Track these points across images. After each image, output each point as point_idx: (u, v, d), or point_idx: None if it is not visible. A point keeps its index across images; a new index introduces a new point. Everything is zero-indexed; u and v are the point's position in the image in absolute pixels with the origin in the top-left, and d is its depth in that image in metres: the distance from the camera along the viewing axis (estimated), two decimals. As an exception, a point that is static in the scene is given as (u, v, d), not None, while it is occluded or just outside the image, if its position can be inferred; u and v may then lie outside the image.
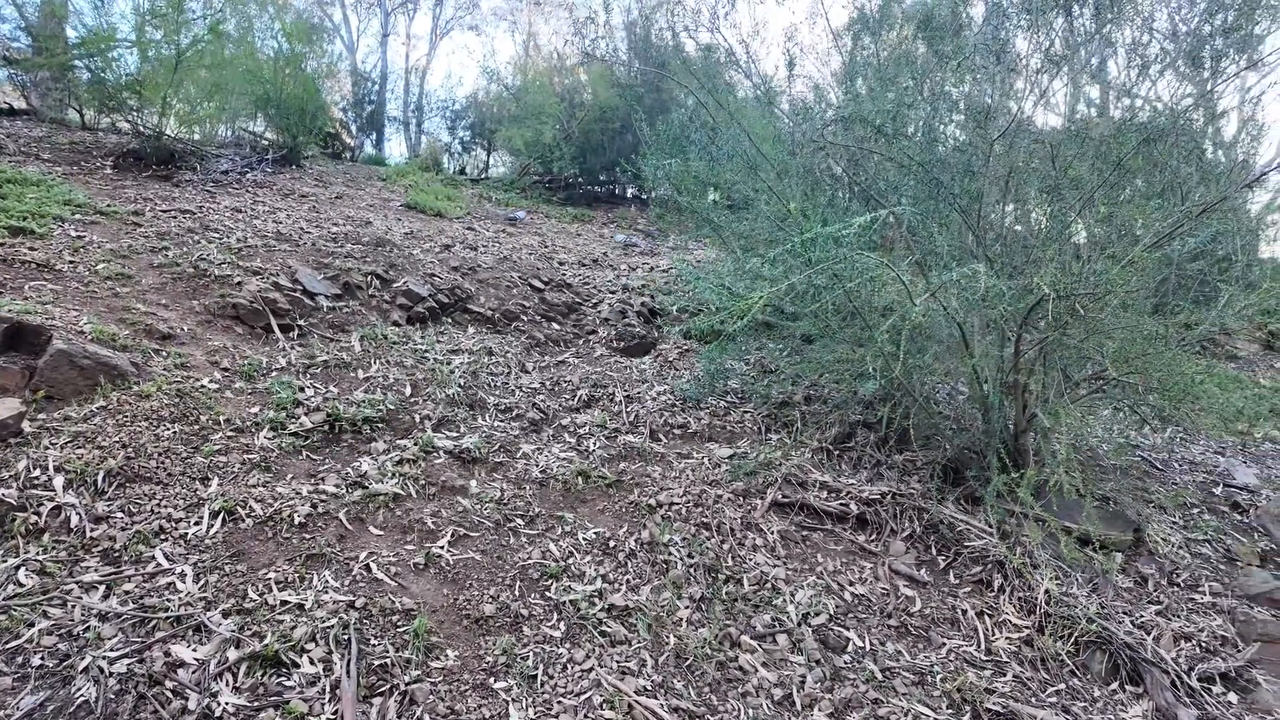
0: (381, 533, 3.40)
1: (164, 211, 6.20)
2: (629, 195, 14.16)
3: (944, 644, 3.40)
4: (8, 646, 2.36)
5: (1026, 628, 3.52)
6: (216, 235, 5.84)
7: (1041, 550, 3.86)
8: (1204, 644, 3.47)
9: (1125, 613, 3.64)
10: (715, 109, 4.81)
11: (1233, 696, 3.25)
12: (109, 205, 5.96)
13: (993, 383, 4.21)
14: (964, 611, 3.63)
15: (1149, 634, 3.46)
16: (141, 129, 7.70)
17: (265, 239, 5.97)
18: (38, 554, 2.73)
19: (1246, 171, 5.93)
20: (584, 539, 3.74)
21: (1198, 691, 3.20)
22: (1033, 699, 3.09)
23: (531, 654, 2.90)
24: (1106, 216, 3.91)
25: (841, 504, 4.34)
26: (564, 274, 7.47)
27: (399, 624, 2.86)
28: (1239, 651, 3.44)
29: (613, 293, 7.25)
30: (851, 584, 3.76)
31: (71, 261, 4.72)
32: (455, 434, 4.36)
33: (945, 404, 4.69)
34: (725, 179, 5.20)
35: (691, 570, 3.66)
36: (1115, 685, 3.26)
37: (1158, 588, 3.91)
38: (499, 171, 16.12)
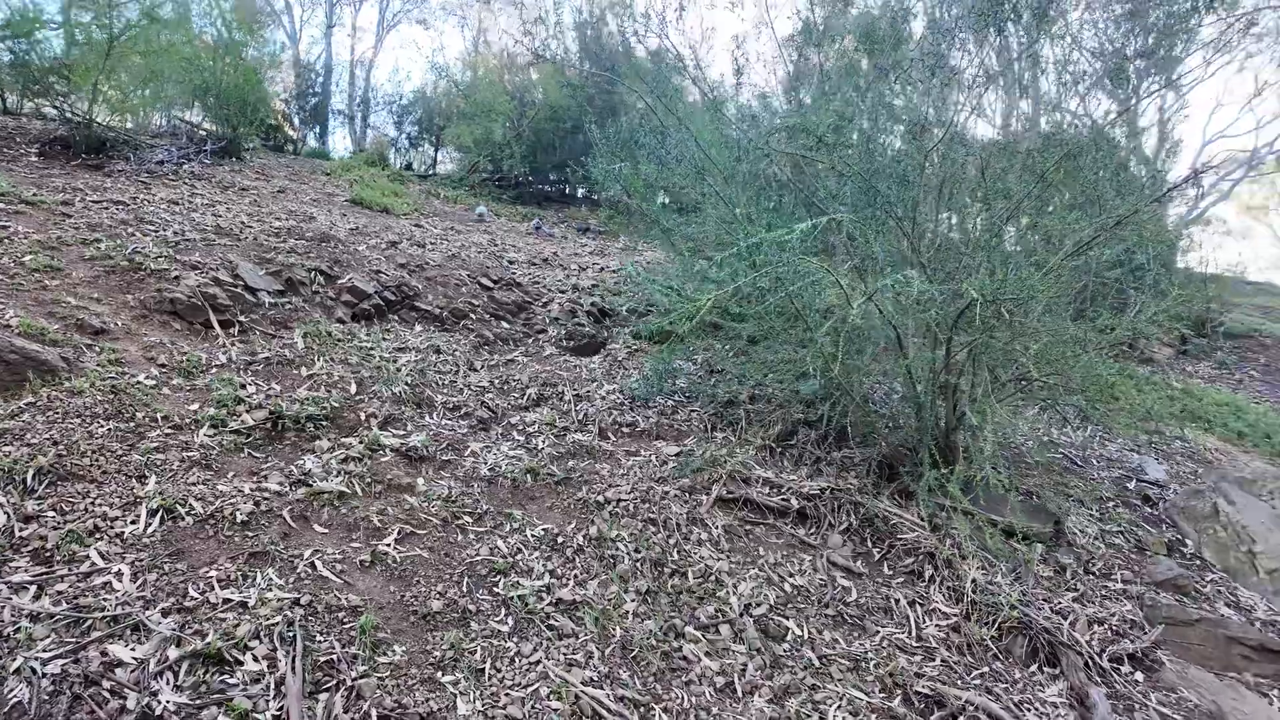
0: (326, 531, 3.38)
1: (95, 202, 5.97)
2: (579, 195, 14.19)
3: (878, 632, 3.57)
4: (-68, 649, 2.28)
5: (954, 615, 3.72)
6: (152, 228, 5.66)
7: (969, 542, 4.06)
8: (1115, 628, 3.73)
9: (1045, 600, 3.88)
10: (664, 114, 4.90)
11: (1139, 675, 3.50)
12: (34, 194, 5.71)
13: (925, 383, 4.41)
14: (897, 601, 3.81)
15: (1066, 619, 3.70)
16: (70, 116, 7.39)
17: (204, 233, 5.81)
18: (-38, 555, 2.64)
19: (1161, 186, 6.33)
20: (532, 535, 3.79)
21: (1108, 671, 3.44)
22: (958, 681, 3.28)
23: (479, 648, 2.94)
24: (1031, 226, 4.15)
25: (783, 499, 4.49)
26: (514, 273, 7.46)
27: (345, 621, 2.86)
28: (1145, 634, 3.70)
29: (562, 292, 7.29)
30: (791, 575, 3.89)
31: (-4, 252, 4.53)
32: (402, 432, 4.35)
33: (881, 403, 4.88)
34: (674, 183, 5.30)
35: (638, 565, 3.74)
36: (1034, 667, 3.47)
37: (1075, 576, 4.17)
38: (446, 168, 15.94)
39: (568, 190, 14.40)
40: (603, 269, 8.54)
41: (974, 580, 3.80)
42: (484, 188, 12.48)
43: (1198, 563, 4.57)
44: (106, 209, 5.87)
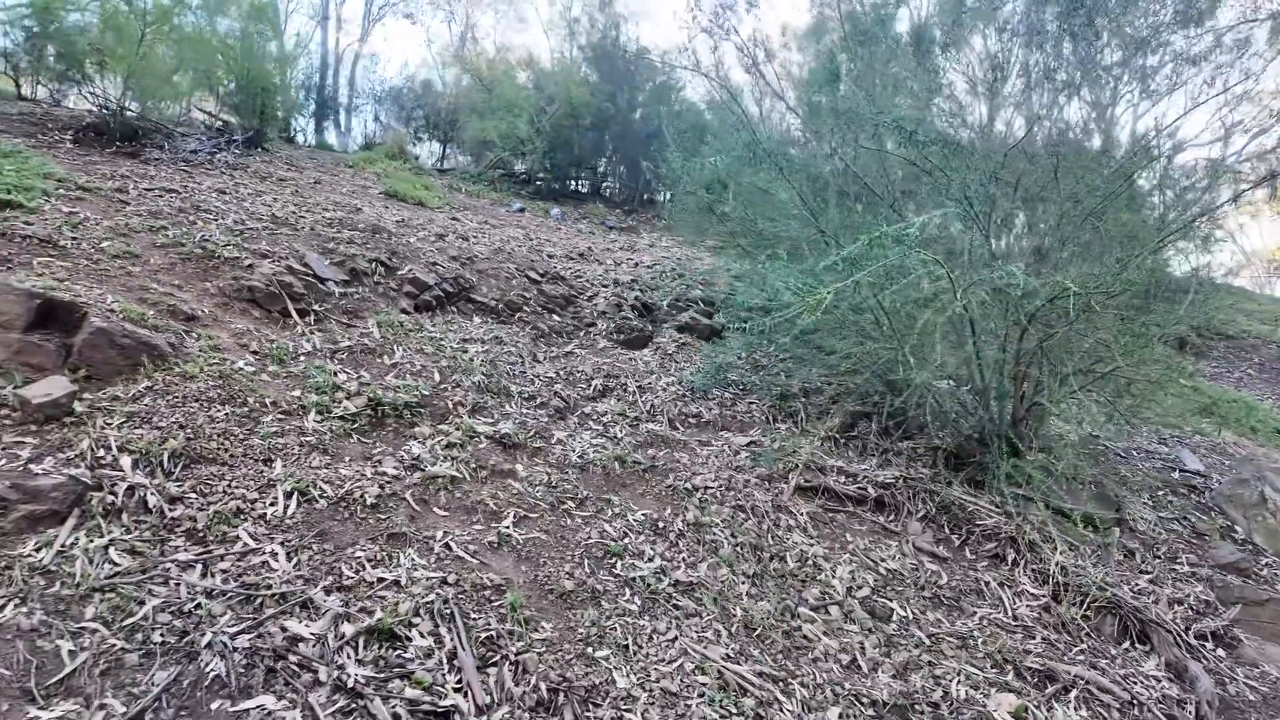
0: (447, 513, 3.43)
1: (148, 190, 5.91)
2: (597, 191, 14.26)
3: (975, 612, 3.70)
4: (125, 624, 2.30)
5: (1043, 596, 3.87)
6: (210, 216, 5.62)
7: (1047, 527, 4.22)
8: (1193, 607, 3.90)
9: (1123, 581, 4.04)
10: (734, 123, 5.00)
11: (1221, 651, 3.67)
12: (88, 181, 5.64)
13: (995, 375, 4.56)
14: (986, 583, 3.95)
15: (1149, 599, 3.87)
16: (106, 103, 7.28)
17: (262, 222, 5.78)
18: (123, 534, 2.65)
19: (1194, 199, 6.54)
20: (634, 520, 3.86)
21: (1195, 648, 3.61)
22: (1063, 657, 3.42)
23: (618, 626, 3.01)
24: (1102, 225, 4.31)
25: (859, 488, 4.61)
26: (555, 266, 7.51)
27: (492, 599, 2.92)
28: (1222, 613, 3.88)
29: (604, 286, 7.36)
30: (883, 560, 4.02)
31: (74, 238, 4.48)
32: (491, 420, 4.39)
33: (946, 397, 5.03)
34: (745, 181, 5.40)
35: (738, 549, 3.84)
36: (1126, 644, 3.63)
37: (1144, 559, 4.35)
38: (450, 163, 15.88)
39: (579, 186, 14.45)
40: (636, 264, 8.62)
41: (1059, 563, 3.95)
42: (502, 183, 12.49)
43: (1250, 547, 4.78)
44: (161, 196, 5.81)
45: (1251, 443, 7.64)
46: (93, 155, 6.77)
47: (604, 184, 14.27)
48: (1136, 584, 4.03)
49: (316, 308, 4.93)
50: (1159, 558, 4.41)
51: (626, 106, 13.28)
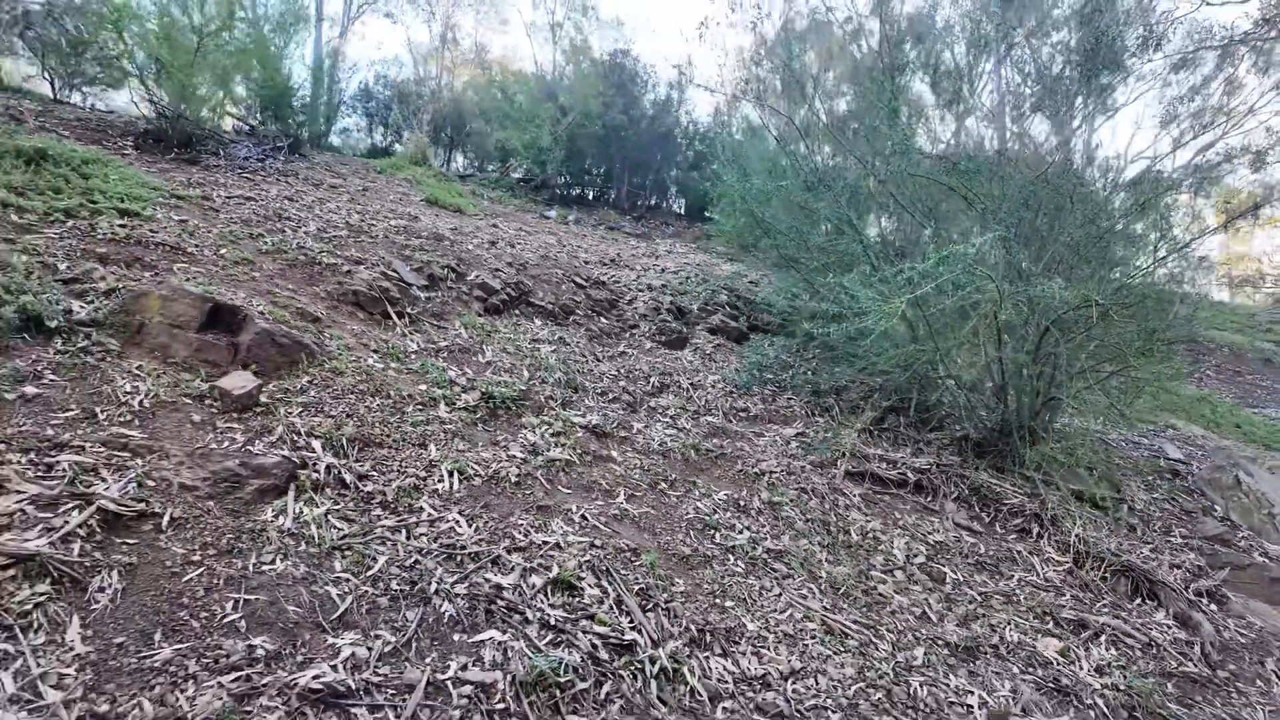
0: (570, 491, 3.96)
1: (229, 198, 6.29)
2: (605, 197, 14.80)
3: (1013, 575, 4.35)
4: (369, 574, 2.80)
5: (1066, 562, 4.53)
6: (293, 224, 6.04)
7: (1065, 505, 4.89)
8: (1189, 570, 4.60)
9: (1131, 550, 4.73)
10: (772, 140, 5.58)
11: (1214, 606, 4.37)
12: (175, 189, 6.02)
13: (1016, 374, 5.23)
14: (1018, 552, 4.60)
15: (1154, 564, 4.56)
16: (164, 111, 7.61)
17: (341, 230, 6.22)
18: (334, 505, 3.14)
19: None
20: (719, 499, 4.43)
21: (1194, 603, 4.30)
22: (1090, 610, 4.08)
23: (733, 584, 3.58)
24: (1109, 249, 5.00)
25: (900, 473, 5.24)
26: (593, 272, 8.04)
27: (631, 560, 3.46)
28: (1213, 575, 4.59)
29: (640, 291, 7.90)
30: (930, 533, 4.65)
31: (196, 245, 4.89)
32: (579, 412, 4.92)
33: (971, 392, 5.68)
34: (796, 201, 6.00)
35: (810, 524, 4.43)
36: (1139, 600, 4.31)
37: (1143, 532, 5.05)
38: (456, 166, 16.26)
39: (591, 194, 14.97)
40: (663, 269, 9.19)
41: (1078, 535, 4.62)
42: (520, 190, 12.95)
43: (1229, 523, 5.52)
44: (243, 204, 6.21)
45: (1216, 435, 8.49)
46: (160, 162, 7.10)
47: (612, 191, 14.82)
48: (1141, 552, 4.72)
49: (410, 311, 5.40)
50: (1156, 531, 5.12)
51: (634, 117, 13.84)
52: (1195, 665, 3.76)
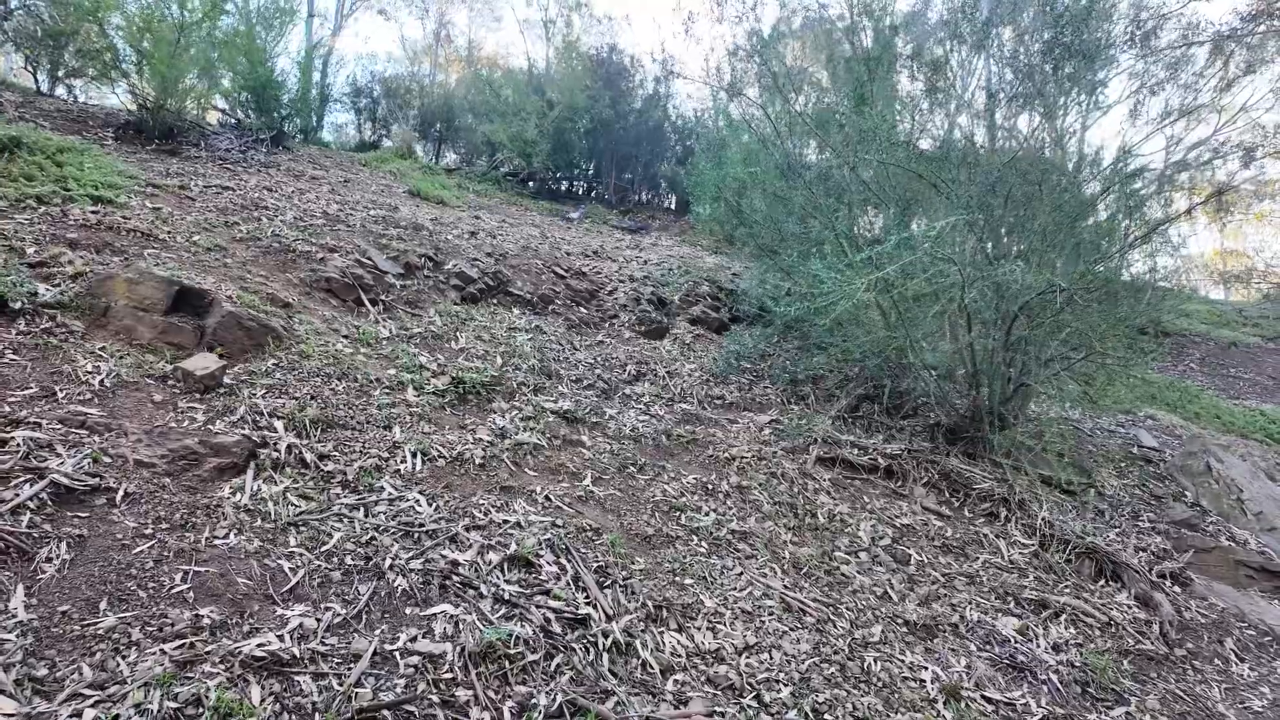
0: (537, 474, 3.98)
1: (206, 187, 6.30)
2: (591, 191, 14.83)
3: (978, 558, 4.39)
4: (323, 549, 2.83)
5: (1032, 545, 4.57)
6: (270, 213, 6.05)
7: (1033, 489, 4.93)
8: (1154, 553, 4.65)
9: (1096, 533, 4.77)
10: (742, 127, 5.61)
11: (1177, 588, 4.41)
12: (152, 178, 6.03)
13: (989, 360, 5.27)
14: (984, 535, 4.64)
15: (1119, 547, 4.60)
16: (145, 102, 7.61)
17: (318, 219, 6.23)
18: (292, 483, 3.16)
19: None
20: (687, 483, 4.46)
21: (1157, 584, 4.34)
22: (1052, 591, 4.12)
23: (694, 563, 3.61)
24: (1076, 235, 5.03)
25: (870, 459, 5.27)
26: (575, 263, 8.06)
27: (593, 539, 3.49)
28: (1178, 558, 4.64)
29: (621, 282, 7.93)
30: (897, 517, 4.68)
31: (168, 232, 4.90)
32: (551, 398, 4.95)
33: (943, 379, 5.72)
34: (770, 190, 6.04)
35: (777, 507, 4.46)
36: (1102, 582, 4.35)
37: (1111, 517, 5.10)
38: (445, 161, 16.26)
39: (576, 188, 14.99)
40: (645, 261, 9.21)
41: (1044, 518, 4.66)
42: (506, 183, 12.97)
43: (1198, 508, 5.57)
44: (220, 194, 6.22)
45: (1194, 424, 8.54)
46: (140, 153, 7.11)
47: (601, 185, 14.85)
48: (1107, 535, 4.76)
49: (384, 298, 5.42)
50: (1124, 515, 5.16)
51: (622, 111, 13.87)
52: (1153, 643, 3.80)
